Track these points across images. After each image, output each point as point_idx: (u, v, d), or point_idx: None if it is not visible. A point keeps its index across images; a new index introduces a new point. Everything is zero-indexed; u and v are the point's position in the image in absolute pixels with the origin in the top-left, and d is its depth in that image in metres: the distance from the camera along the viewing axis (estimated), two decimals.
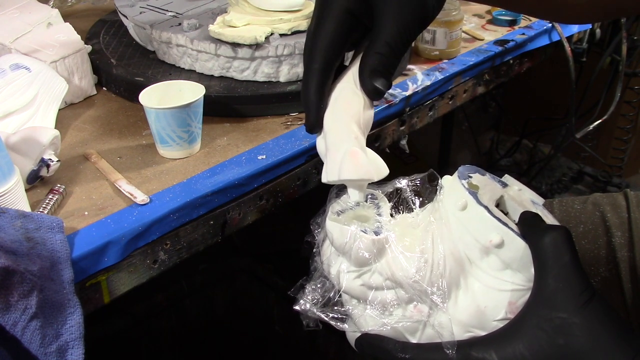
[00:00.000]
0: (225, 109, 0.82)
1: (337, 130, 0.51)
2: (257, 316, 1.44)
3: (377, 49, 0.51)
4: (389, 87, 0.53)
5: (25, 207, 0.61)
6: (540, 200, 0.53)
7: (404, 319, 0.49)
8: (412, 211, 0.53)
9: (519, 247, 0.46)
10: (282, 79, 0.85)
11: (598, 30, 1.23)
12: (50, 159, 0.67)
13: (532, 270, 0.46)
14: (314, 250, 0.53)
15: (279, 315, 1.42)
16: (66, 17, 0.97)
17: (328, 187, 0.55)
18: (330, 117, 0.52)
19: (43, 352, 0.51)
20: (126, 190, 0.66)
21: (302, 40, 0.83)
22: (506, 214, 0.52)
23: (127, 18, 0.95)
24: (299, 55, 0.84)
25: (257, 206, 0.72)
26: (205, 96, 0.72)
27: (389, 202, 0.54)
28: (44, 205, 0.62)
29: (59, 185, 0.65)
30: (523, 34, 1.08)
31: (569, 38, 1.16)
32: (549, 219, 0.50)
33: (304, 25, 0.86)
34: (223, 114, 0.82)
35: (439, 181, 0.52)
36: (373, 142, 0.85)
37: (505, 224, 0.47)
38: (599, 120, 1.40)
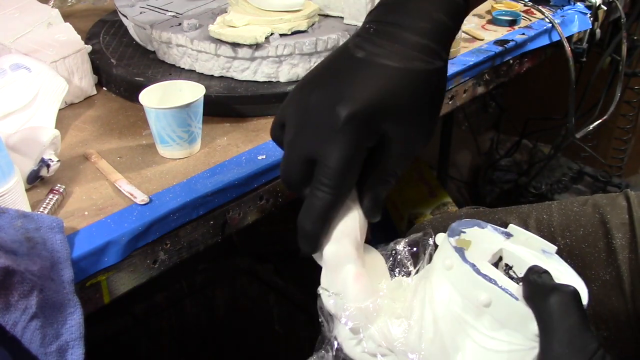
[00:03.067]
0: (225, 109, 0.82)
1: (336, 251, 0.50)
2: (257, 316, 1.44)
3: (386, 178, 0.51)
4: None
5: (25, 207, 0.61)
6: (552, 248, 0.49)
7: None
8: (409, 275, 0.52)
9: (509, 304, 0.43)
10: (282, 79, 0.85)
11: (598, 30, 1.23)
12: (50, 159, 0.67)
13: (532, 328, 0.43)
14: (320, 320, 0.53)
15: (279, 315, 1.42)
16: (66, 17, 0.97)
17: None
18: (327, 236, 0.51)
19: (43, 352, 0.51)
20: (126, 190, 0.66)
21: (302, 40, 0.83)
22: (510, 267, 0.49)
23: (127, 18, 0.95)
24: (299, 55, 0.84)
25: (257, 206, 0.72)
26: (205, 96, 0.72)
27: (387, 263, 0.53)
28: (44, 205, 0.62)
29: (59, 185, 0.65)
30: (523, 34, 1.07)
31: (569, 38, 1.15)
32: (562, 269, 0.47)
33: (304, 25, 0.86)
34: (223, 114, 0.82)
35: (433, 240, 0.51)
36: None
37: (494, 281, 0.44)
38: (599, 120, 1.39)
